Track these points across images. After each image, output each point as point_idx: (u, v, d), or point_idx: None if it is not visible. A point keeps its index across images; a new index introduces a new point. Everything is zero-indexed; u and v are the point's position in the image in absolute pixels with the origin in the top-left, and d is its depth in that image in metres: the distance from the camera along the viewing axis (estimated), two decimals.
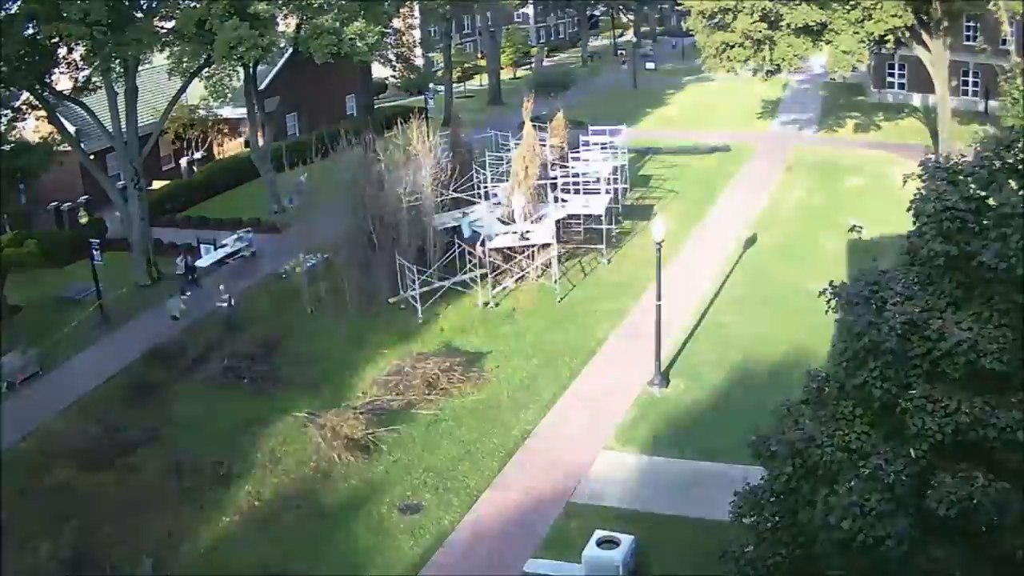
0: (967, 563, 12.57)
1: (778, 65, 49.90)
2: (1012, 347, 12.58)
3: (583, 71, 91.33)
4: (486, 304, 35.31)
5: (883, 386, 12.82)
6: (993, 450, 12.50)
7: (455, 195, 39.53)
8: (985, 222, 13.11)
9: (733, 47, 48.27)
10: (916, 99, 63.19)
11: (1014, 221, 12.62)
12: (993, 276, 12.75)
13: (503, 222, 37.47)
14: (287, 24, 47.25)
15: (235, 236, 43.41)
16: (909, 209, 13.89)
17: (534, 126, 40.46)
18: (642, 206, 45.01)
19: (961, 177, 13.45)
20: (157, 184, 52.52)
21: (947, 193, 13.26)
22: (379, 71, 77.94)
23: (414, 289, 33.90)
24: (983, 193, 13.26)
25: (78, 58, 38.29)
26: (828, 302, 13.96)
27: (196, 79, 42.13)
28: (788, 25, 46.07)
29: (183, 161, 56.74)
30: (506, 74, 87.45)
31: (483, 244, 35.34)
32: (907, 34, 47.92)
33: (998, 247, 12.63)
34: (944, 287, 13.34)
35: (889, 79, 67.53)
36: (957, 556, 12.55)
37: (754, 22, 45.44)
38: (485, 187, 40.37)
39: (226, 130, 60.67)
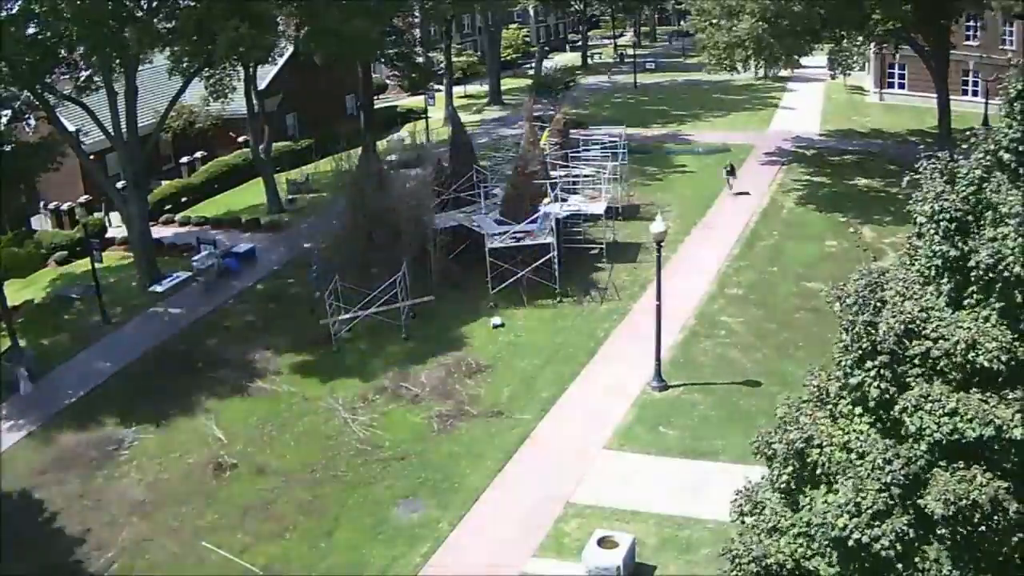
0: (962, 563, 12.56)
1: (778, 65, 49.91)
2: (1010, 346, 12.59)
3: (582, 73, 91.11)
4: (493, 305, 35.26)
5: (881, 386, 12.84)
6: (990, 449, 12.50)
7: (456, 195, 39.57)
8: (983, 222, 13.12)
9: (736, 47, 48.21)
10: (917, 99, 63.13)
11: (1010, 220, 12.64)
12: (991, 276, 12.76)
13: (501, 223, 37.44)
14: (288, 24, 47.24)
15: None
16: (908, 210, 13.90)
17: (534, 126, 40.46)
18: (642, 206, 44.95)
19: (959, 177, 13.45)
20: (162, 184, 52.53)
21: (945, 193, 13.27)
22: (380, 70, 78.08)
23: (344, 315, 33.38)
24: (981, 194, 13.26)
25: (78, 58, 38.25)
26: (829, 303, 13.96)
27: (196, 79, 42.10)
28: (789, 25, 46.00)
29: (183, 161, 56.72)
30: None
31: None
32: (907, 33, 47.95)
33: (995, 247, 12.64)
34: (942, 287, 13.35)
35: (889, 79, 67.53)
36: (952, 555, 12.55)
37: (755, 22, 45.36)
38: (485, 187, 40.35)
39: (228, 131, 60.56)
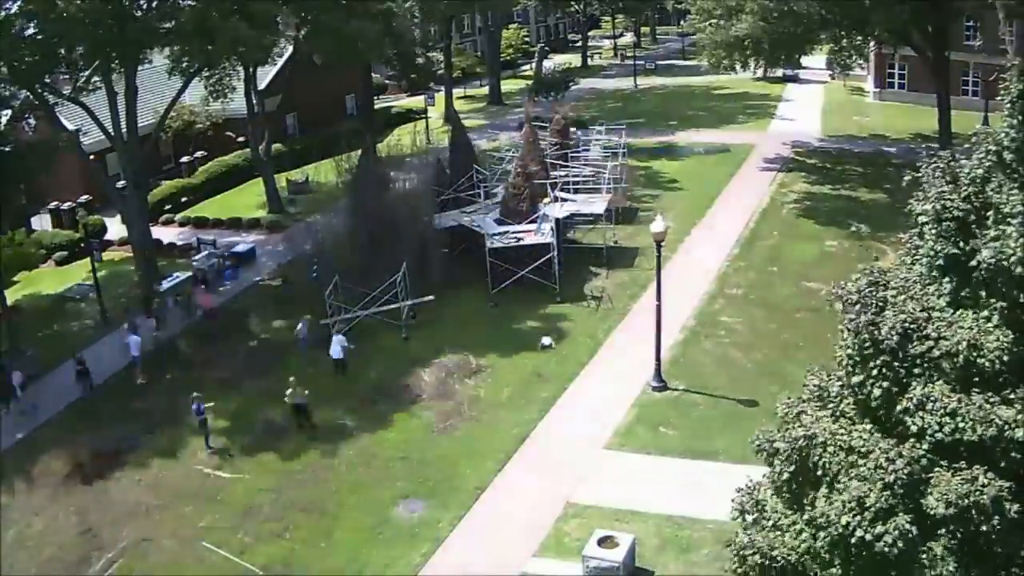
0: (964, 562, 12.57)
1: (778, 65, 49.93)
2: (1011, 347, 12.59)
3: (583, 72, 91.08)
4: (493, 305, 35.26)
5: (883, 385, 12.83)
6: (992, 449, 12.50)
7: (456, 195, 39.55)
8: (985, 221, 13.12)
9: (736, 47, 48.21)
10: (916, 99, 63.08)
11: (1012, 220, 12.63)
12: (991, 275, 12.76)
13: (501, 222, 37.42)
14: (288, 24, 47.21)
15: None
16: (908, 209, 13.91)
17: (534, 126, 40.45)
18: (642, 206, 44.97)
19: (962, 176, 13.46)
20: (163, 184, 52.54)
21: (947, 193, 13.28)
22: (380, 71, 78.02)
23: (344, 314, 33.48)
24: (982, 193, 13.27)
25: (78, 58, 38.23)
26: (829, 301, 13.96)
27: (196, 79, 42.11)
28: (788, 25, 46.02)
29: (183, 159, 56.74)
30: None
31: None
32: (907, 33, 47.92)
33: (996, 246, 12.64)
34: (944, 287, 13.35)
35: (889, 79, 67.50)
36: (954, 555, 12.55)
37: (756, 22, 45.37)
38: (485, 187, 40.34)
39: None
